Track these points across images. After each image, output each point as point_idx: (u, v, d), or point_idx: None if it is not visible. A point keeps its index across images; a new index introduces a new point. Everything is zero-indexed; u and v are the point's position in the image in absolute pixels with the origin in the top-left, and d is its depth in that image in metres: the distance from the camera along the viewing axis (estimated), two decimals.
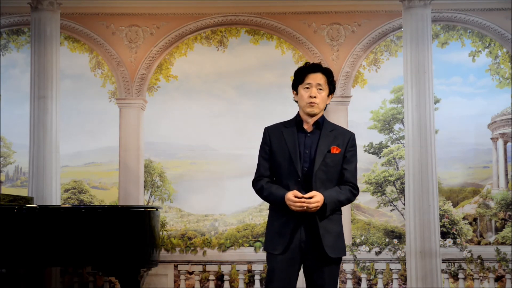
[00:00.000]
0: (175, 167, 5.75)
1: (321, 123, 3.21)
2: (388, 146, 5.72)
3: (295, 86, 3.26)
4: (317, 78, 3.19)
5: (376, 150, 5.72)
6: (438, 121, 5.61)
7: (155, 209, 4.41)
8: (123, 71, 5.78)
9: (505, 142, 5.70)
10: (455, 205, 5.65)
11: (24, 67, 5.80)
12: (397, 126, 5.72)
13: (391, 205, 5.66)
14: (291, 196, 3.03)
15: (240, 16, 5.80)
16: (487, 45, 5.76)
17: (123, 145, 5.72)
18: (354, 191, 3.20)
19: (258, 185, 3.23)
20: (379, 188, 5.67)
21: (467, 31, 5.77)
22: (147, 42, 5.79)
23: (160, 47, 5.80)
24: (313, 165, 3.11)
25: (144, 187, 5.70)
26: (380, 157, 5.71)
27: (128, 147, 5.71)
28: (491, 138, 5.71)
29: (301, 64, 5.67)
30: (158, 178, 5.72)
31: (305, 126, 3.22)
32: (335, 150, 3.16)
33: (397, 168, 5.70)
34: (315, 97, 3.16)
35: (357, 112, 5.72)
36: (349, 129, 3.18)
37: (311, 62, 3.32)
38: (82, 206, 4.99)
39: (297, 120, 3.23)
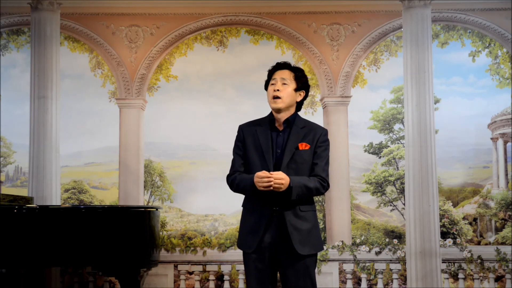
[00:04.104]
0: (175, 167, 5.75)
1: (292, 121, 3.24)
2: (388, 146, 5.72)
3: (266, 87, 3.32)
4: (282, 74, 3.24)
5: (376, 150, 5.72)
6: (438, 121, 5.61)
7: (155, 209, 4.41)
8: (123, 71, 5.78)
9: (505, 142, 5.70)
10: (455, 205, 5.65)
11: (24, 67, 5.80)
12: (397, 126, 5.72)
13: (391, 205, 5.66)
14: (259, 173, 3.05)
15: (240, 16, 5.81)
16: (487, 45, 5.76)
17: (123, 145, 5.72)
18: (323, 183, 3.19)
19: (231, 178, 3.27)
20: (379, 188, 5.67)
21: (467, 31, 5.77)
22: (147, 42, 5.80)
23: (160, 47, 5.80)
24: (281, 163, 3.14)
25: (144, 187, 5.70)
26: (380, 157, 5.71)
27: (128, 147, 5.71)
28: (491, 138, 5.71)
29: (301, 64, 5.70)
30: (158, 178, 5.72)
31: (277, 125, 3.25)
32: (303, 146, 3.18)
33: (397, 168, 5.70)
34: (278, 90, 3.19)
35: (357, 112, 5.72)
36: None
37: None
38: (82, 206, 4.98)
39: (270, 119, 3.27)
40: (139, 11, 5.80)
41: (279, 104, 3.20)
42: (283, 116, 3.23)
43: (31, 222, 4.08)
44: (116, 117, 5.76)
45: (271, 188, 3.03)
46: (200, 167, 5.71)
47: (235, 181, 3.23)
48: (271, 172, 3.04)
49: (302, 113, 5.58)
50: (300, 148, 3.17)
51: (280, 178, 3.02)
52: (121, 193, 5.67)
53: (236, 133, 3.37)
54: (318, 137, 3.21)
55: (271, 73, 3.29)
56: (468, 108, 5.73)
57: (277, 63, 3.31)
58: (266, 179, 3.02)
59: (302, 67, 5.67)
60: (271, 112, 3.28)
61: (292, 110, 3.26)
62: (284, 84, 3.21)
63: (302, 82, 3.27)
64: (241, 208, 3.29)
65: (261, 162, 3.16)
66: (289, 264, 3.12)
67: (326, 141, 3.25)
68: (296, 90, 3.24)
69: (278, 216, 3.11)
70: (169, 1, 5.81)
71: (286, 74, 3.24)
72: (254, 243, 3.12)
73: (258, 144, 3.20)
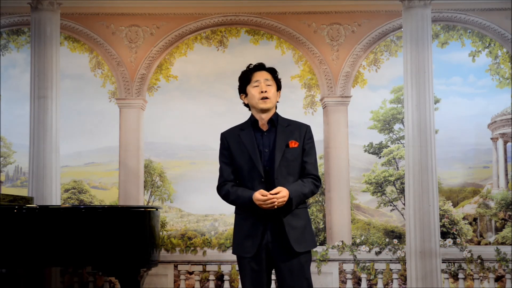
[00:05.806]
0: (175, 167, 5.75)
1: (276, 120, 3.25)
2: (388, 146, 5.72)
3: (243, 89, 3.31)
4: (263, 75, 3.26)
5: (376, 150, 5.72)
6: (438, 121, 5.61)
7: (155, 209, 4.41)
8: (123, 71, 5.78)
9: (505, 142, 5.70)
10: (455, 205, 5.65)
11: (24, 67, 5.80)
12: (397, 126, 5.72)
13: (391, 205, 5.66)
14: (259, 195, 3.06)
15: (240, 16, 5.81)
16: (487, 45, 5.76)
17: (123, 145, 5.72)
18: (317, 183, 3.23)
19: (223, 190, 3.28)
20: (379, 188, 5.67)
21: (467, 31, 5.77)
22: (147, 42, 5.80)
23: (160, 47, 5.80)
24: (274, 162, 3.14)
25: (144, 187, 5.70)
26: (380, 157, 5.71)
27: (128, 147, 5.71)
28: (491, 138, 5.71)
29: (301, 64, 5.70)
30: (158, 178, 5.72)
31: (261, 126, 3.25)
32: (293, 144, 3.20)
33: (397, 168, 5.70)
34: (266, 91, 3.21)
35: (357, 112, 5.72)
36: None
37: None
38: (82, 206, 4.98)
39: (252, 121, 3.27)
40: (139, 11, 5.80)
41: (268, 104, 3.22)
42: (267, 116, 3.24)
43: (31, 222, 4.08)
44: (116, 117, 5.76)
45: (275, 207, 3.05)
46: (200, 167, 5.71)
47: (229, 197, 3.24)
48: (270, 192, 3.05)
49: (302, 113, 5.65)
50: (290, 145, 3.19)
51: (282, 196, 3.05)
52: (121, 193, 5.67)
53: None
54: (304, 134, 3.24)
55: (248, 75, 3.29)
56: (468, 108, 5.73)
57: (253, 65, 3.32)
58: (269, 202, 3.04)
59: (301, 67, 5.72)
60: (251, 115, 3.29)
61: (274, 110, 3.28)
62: (268, 85, 3.24)
63: (280, 82, 3.32)
64: None
65: (249, 164, 3.17)
66: (285, 263, 3.13)
67: (312, 138, 3.28)
68: (277, 90, 3.29)
69: (274, 217, 3.12)
70: (169, 1, 5.81)
71: (266, 75, 3.27)
72: (253, 247, 3.12)
73: (244, 147, 3.22)
